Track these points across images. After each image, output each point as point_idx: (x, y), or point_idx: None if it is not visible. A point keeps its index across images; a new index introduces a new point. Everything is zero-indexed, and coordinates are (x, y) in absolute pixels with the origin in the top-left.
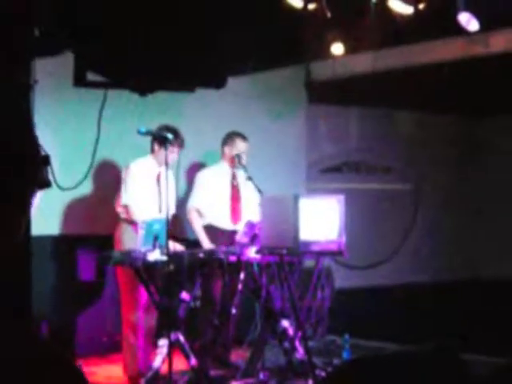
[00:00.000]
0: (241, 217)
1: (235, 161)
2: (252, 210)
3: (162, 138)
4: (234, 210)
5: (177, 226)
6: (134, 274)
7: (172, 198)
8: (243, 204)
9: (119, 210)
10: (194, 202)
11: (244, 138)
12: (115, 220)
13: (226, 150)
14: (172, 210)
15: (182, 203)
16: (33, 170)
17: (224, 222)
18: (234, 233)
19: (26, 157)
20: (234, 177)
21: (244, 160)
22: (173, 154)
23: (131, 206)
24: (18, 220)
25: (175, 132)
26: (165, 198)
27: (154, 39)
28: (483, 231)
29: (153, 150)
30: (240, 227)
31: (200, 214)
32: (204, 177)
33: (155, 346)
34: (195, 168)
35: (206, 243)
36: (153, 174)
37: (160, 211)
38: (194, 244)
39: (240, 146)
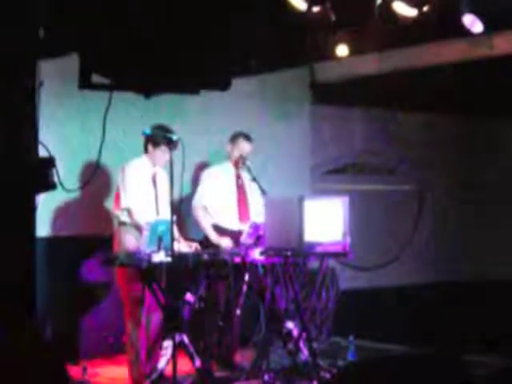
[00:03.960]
0: (249, 216)
1: (240, 161)
2: (257, 210)
3: (167, 139)
4: (242, 210)
5: (182, 227)
6: (136, 275)
7: (168, 198)
8: (250, 203)
9: (118, 212)
10: (199, 200)
11: (248, 138)
12: (115, 221)
13: (229, 149)
14: (168, 211)
15: (187, 204)
16: (36, 172)
17: (231, 223)
18: (240, 233)
19: (29, 159)
20: (238, 177)
21: (248, 161)
22: (166, 154)
23: (132, 208)
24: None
25: (170, 131)
26: (163, 199)
27: (158, 41)
28: (488, 232)
29: (146, 151)
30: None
31: (206, 212)
32: (209, 175)
33: (161, 347)
34: (199, 169)
35: (215, 238)
36: (148, 174)
37: (157, 212)
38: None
39: (242, 146)
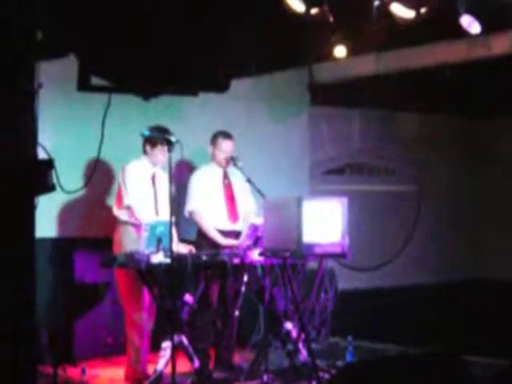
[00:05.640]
0: (238, 215)
1: (228, 162)
2: (244, 210)
3: (166, 140)
4: (231, 209)
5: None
6: (135, 276)
7: (167, 199)
8: (238, 203)
9: (118, 212)
10: (194, 204)
11: (227, 135)
12: (114, 222)
13: (211, 151)
14: (167, 212)
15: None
16: (35, 174)
17: (222, 223)
18: (233, 233)
19: (28, 161)
20: (225, 176)
21: (240, 162)
22: (164, 153)
23: (134, 206)
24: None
25: (167, 132)
26: (162, 200)
27: (157, 43)
28: (487, 232)
29: (145, 152)
30: (238, 226)
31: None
32: (197, 178)
33: (155, 348)
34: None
35: (222, 240)
36: (148, 174)
37: (157, 212)
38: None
39: (223, 145)
